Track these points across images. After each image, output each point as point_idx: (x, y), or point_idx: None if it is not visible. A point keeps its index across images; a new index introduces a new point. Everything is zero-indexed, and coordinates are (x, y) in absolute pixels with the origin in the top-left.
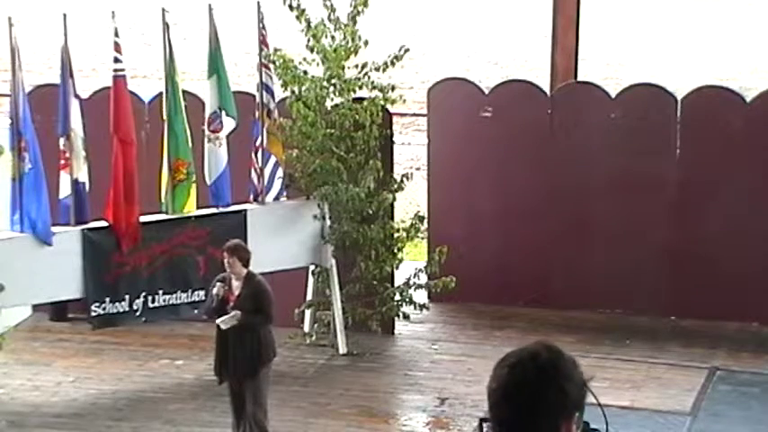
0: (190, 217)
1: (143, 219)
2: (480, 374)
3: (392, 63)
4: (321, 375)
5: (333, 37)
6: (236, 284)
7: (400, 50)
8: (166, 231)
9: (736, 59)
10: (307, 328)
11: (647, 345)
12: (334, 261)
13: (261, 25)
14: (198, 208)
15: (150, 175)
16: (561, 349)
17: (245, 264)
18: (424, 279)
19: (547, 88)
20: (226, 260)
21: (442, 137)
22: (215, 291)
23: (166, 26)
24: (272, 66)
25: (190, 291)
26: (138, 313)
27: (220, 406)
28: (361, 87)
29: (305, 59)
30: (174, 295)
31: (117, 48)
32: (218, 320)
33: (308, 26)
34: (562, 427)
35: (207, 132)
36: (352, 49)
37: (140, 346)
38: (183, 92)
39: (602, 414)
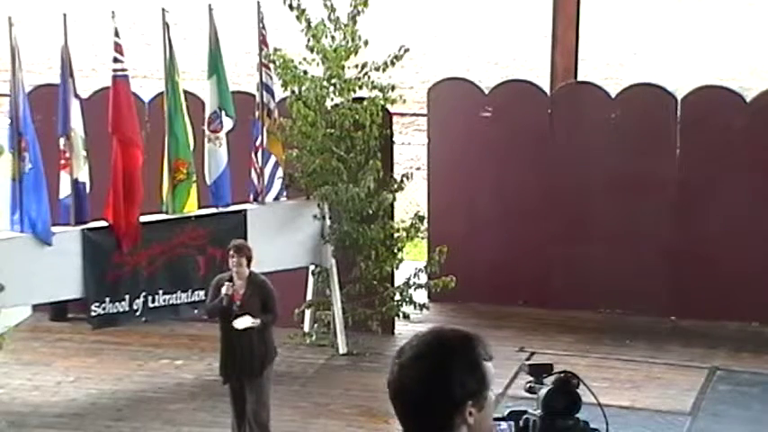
0: (190, 217)
1: (143, 219)
2: None
3: (392, 63)
4: (321, 375)
5: (333, 37)
6: (239, 284)
7: (400, 50)
8: (166, 231)
9: (736, 59)
10: (307, 328)
11: (647, 345)
12: (334, 261)
13: (261, 25)
14: (198, 208)
15: (150, 175)
16: (452, 337)
17: (249, 263)
18: (424, 279)
19: (547, 88)
20: (234, 260)
21: (442, 137)
22: (224, 290)
23: (166, 26)
24: (272, 65)
25: (190, 291)
26: (138, 313)
27: (220, 406)
28: (361, 87)
29: (305, 59)
30: (174, 295)
31: (117, 48)
32: (235, 323)
33: (308, 26)
34: (456, 417)
35: (207, 132)
36: (352, 49)
37: (140, 346)
38: (184, 92)
39: (602, 414)
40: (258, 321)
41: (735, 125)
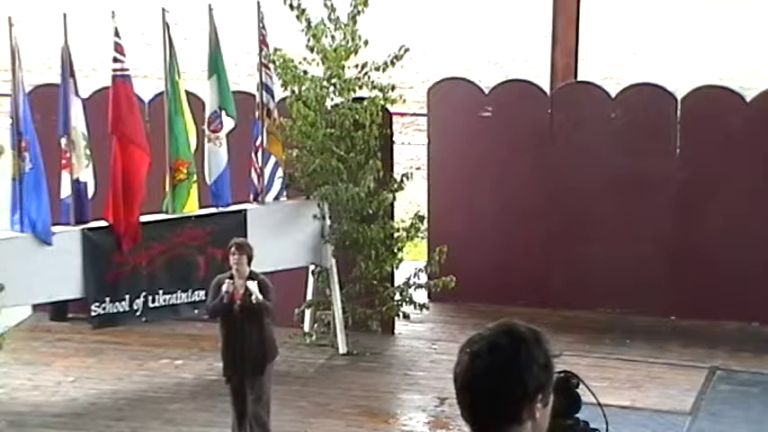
0: (190, 217)
1: (143, 219)
2: None
3: (392, 63)
4: (321, 375)
5: (333, 37)
6: (240, 283)
7: (400, 50)
8: (166, 231)
9: (736, 59)
10: (307, 327)
11: (647, 345)
12: (334, 261)
13: (261, 25)
14: (199, 208)
15: (150, 175)
16: (524, 330)
17: (249, 262)
18: (423, 279)
19: (547, 88)
20: (234, 257)
21: (442, 137)
22: (225, 288)
23: (166, 26)
24: (272, 65)
25: (190, 290)
26: (138, 313)
27: (220, 405)
28: (361, 87)
29: (305, 59)
30: (175, 295)
31: (117, 48)
32: (248, 283)
33: (308, 26)
34: (524, 411)
35: (207, 132)
36: (352, 49)
37: (140, 345)
38: (185, 92)
39: (602, 414)
40: (260, 297)
41: (735, 125)
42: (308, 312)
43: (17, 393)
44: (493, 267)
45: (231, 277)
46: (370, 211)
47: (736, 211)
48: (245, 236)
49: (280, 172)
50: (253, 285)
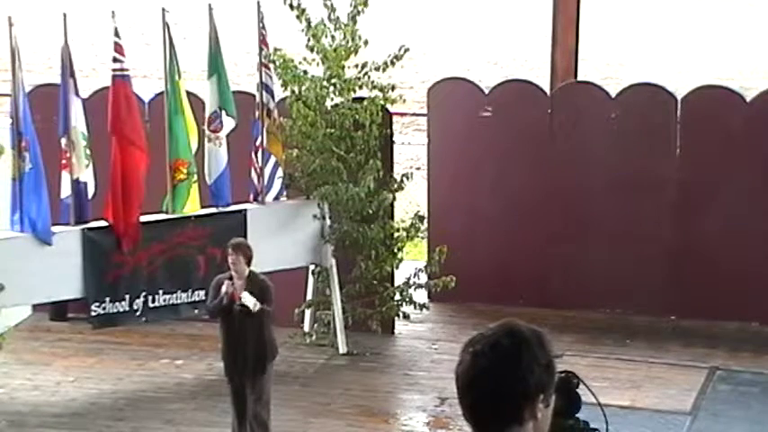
0: (190, 217)
1: (143, 218)
2: None
3: (392, 63)
4: (321, 375)
5: (333, 37)
6: (239, 284)
7: (400, 50)
8: (166, 231)
9: (736, 59)
10: (307, 327)
11: (647, 345)
12: (334, 261)
13: (261, 25)
14: (200, 207)
15: (150, 174)
16: (525, 330)
17: (249, 262)
18: (423, 279)
19: (547, 88)
20: (230, 257)
21: (442, 137)
22: (224, 288)
23: (166, 26)
24: (272, 65)
25: (190, 291)
26: (138, 313)
27: (220, 405)
28: (361, 87)
29: (305, 59)
30: (175, 295)
31: (117, 48)
32: (243, 295)
33: (308, 26)
34: (525, 411)
35: (207, 132)
36: (352, 49)
37: (140, 345)
38: (186, 92)
39: (603, 414)
40: (259, 305)
41: (735, 125)
42: (308, 312)
43: (17, 393)
44: (493, 267)
45: (231, 278)
46: (370, 211)
47: (736, 212)
48: (245, 236)
49: (280, 172)
50: (246, 297)
